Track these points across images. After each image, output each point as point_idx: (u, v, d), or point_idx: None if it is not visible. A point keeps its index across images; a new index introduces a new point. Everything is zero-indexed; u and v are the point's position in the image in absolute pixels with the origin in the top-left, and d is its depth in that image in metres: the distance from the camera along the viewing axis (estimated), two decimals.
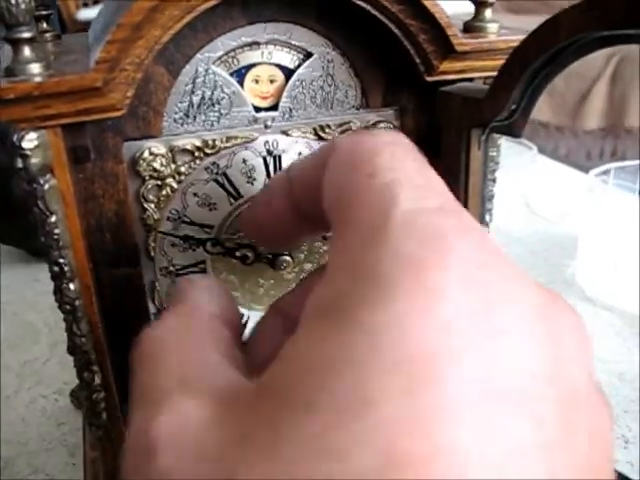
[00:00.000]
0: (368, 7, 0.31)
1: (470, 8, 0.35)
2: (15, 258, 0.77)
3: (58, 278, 0.31)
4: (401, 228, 0.15)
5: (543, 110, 1.81)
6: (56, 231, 0.30)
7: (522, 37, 0.32)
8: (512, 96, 0.29)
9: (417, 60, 0.32)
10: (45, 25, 0.39)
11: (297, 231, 0.24)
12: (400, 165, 0.17)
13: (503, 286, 0.14)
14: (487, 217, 0.37)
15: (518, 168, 0.89)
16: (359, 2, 0.31)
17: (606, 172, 0.70)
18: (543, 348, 0.14)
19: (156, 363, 0.18)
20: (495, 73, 0.33)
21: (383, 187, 0.16)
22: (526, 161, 0.93)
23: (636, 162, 0.72)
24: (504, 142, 0.35)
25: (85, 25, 2.42)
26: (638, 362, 0.55)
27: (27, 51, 0.28)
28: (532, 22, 0.27)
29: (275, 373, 0.15)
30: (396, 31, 0.31)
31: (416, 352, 0.13)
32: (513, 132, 0.32)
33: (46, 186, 0.29)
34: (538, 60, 0.27)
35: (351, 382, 0.13)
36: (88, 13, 2.65)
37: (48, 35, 0.39)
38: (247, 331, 0.25)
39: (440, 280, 0.14)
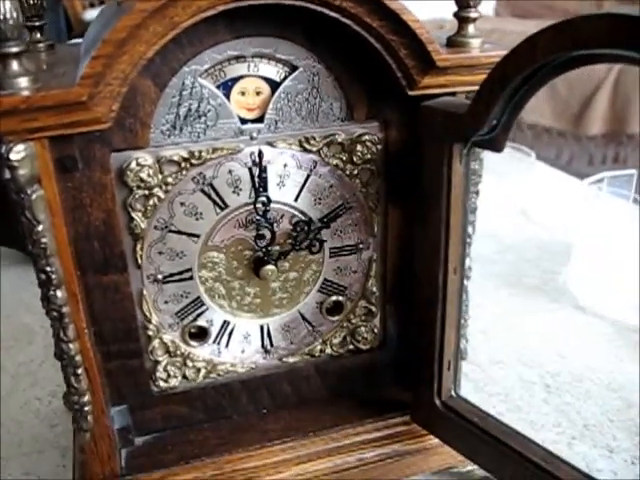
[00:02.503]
0: (350, 22, 0.31)
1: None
2: (11, 260, 0.78)
3: (45, 286, 0.32)
4: None
5: (546, 115, 1.81)
6: (43, 240, 0.31)
7: (504, 53, 0.33)
8: (493, 112, 0.30)
9: (399, 74, 0.33)
10: (39, 35, 0.40)
11: None
12: None
13: None
14: (470, 229, 0.37)
15: (515, 174, 0.89)
16: (341, 18, 0.31)
17: (601, 180, 0.70)
18: None
19: None
20: (477, 88, 0.33)
21: None
22: (524, 168, 0.93)
23: (629, 171, 0.72)
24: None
25: None
26: (627, 372, 0.55)
27: (15, 65, 0.29)
28: (537, 26, 0.27)
29: None
30: (377, 45, 0.32)
31: None
32: (494, 146, 0.32)
33: (33, 196, 0.30)
34: (517, 78, 0.28)
35: None
36: (94, 13, 2.66)
37: (41, 45, 0.40)
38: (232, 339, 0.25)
39: None
